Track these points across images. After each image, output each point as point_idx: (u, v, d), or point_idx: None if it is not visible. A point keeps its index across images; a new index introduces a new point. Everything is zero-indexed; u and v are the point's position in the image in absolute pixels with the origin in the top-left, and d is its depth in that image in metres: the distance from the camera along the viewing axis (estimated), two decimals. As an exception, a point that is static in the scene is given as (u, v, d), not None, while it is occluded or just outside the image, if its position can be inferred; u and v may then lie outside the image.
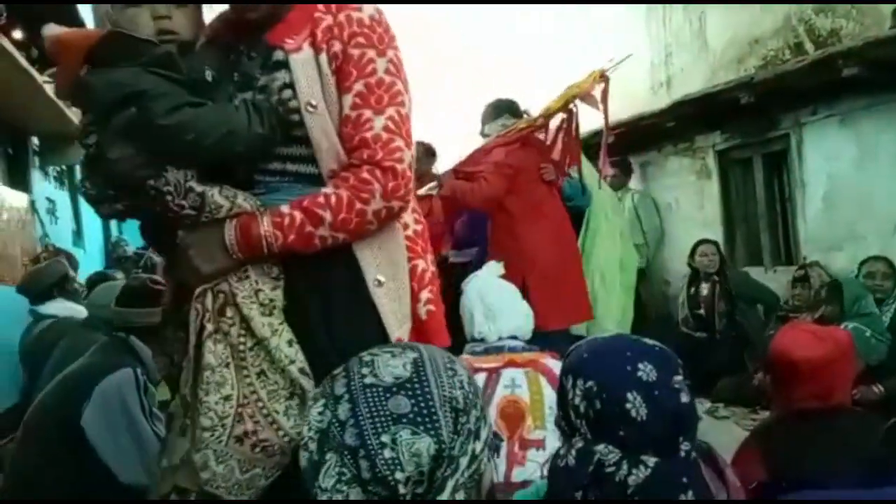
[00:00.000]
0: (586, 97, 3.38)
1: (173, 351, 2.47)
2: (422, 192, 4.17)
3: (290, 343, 1.37)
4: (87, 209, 6.69)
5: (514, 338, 2.21)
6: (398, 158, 1.38)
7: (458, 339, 2.28)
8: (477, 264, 2.90)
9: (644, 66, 6.64)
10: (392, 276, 1.45)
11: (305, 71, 1.37)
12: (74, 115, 4.13)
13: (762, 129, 5.18)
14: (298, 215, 1.34)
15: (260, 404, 1.35)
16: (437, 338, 1.48)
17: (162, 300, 2.42)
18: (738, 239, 5.70)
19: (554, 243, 3.66)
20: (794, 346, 1.74)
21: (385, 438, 0.87)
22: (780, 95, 4.68)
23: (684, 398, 1.17)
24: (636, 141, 6.12)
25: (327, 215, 1.34)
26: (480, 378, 2.09)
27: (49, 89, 3.52)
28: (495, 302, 2.20)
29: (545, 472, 1.29)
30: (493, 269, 2.38)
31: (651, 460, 1.10)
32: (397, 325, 1.45)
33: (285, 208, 1.35)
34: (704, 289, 4.99)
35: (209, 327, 1.37)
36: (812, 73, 4.26)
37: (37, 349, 3.22)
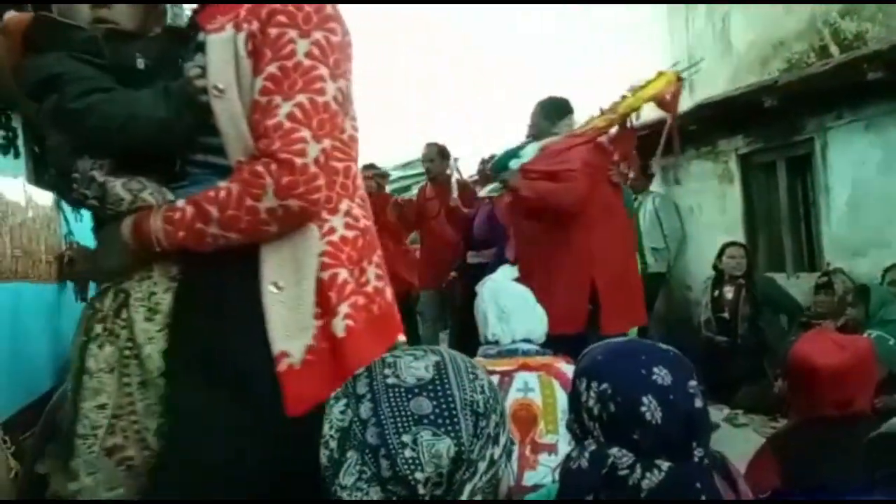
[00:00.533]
0: (661, 99, 3.37)
1: None
2: (484, 193, 4.12)
3: (164, 353, 1.26)
4: (111, 207, 6.79)
5: (528, 341, 2.21)
6: (298, 151, 1.20)
7: (475, 341, 2.30)
8: (494, 266, 2.89)
9: (666, 68, 6.60)
10: (295, 282, 1.26)
11: (221, 52, 1.25)
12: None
13: (786, 133, 5.11)
14: (190, 210, 1.23)
15: (133, 418, 1.27)
16: (354, 358, 1.22)
17: None
18: (761, 244, 5.62)
19: (622, 245, 3.64)
20: (815, 353, 1.72)
21: (406, 438, 0.88)
22: (805, 99, 4.62)
23: (698, 403, 1.17)
24: (658, 144, 6.06)
25: (214, 211, 1.21)
26: (493, 381, 2.09)
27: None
28: (509, 304, 2.20)
29: (556, 477, 1.28)
30: (507, 271, 2.37)
31: (665, 464, 1.10)
32: (286, 337, 1.24)
33: (181, 203, 1.25)
34: (729, 292, 4.93)
35: (97, 328, 1.30)
36: (837, 76, 4.20)
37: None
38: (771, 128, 5.19)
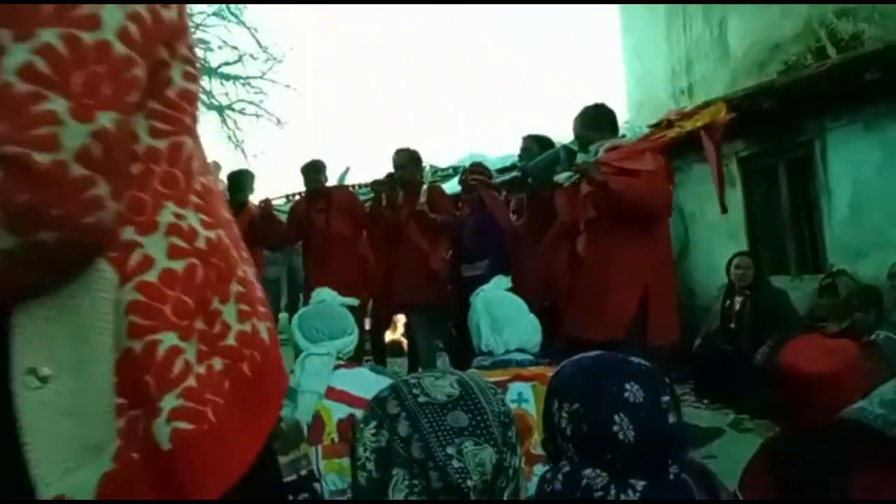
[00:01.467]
0: (712, 126, 3.44)
1: None
2: (561, 179, 3.96)
3: None
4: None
5: (522, 350, 2.20)
6: (40, 140, 0.65)
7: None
8: (487, 277, 2.88)
9: (665, 74, 6.61)
10: (73, 368, 0.73)
11: None
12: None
13: (785, 136, 5.10)
14: None
15: None
16: (197, 485, 0.77)
17: None
18: (764, 247, 5.60)
19: (669, 258, 3.66)
20: (801, 359, 1.70)
21: (451, 450, 0.91)
22: (803, 101, 4.61)
23: (672, 419, 1.15)
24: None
25: None
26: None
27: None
28: (502, 314, 2.19)
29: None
30: (500, 282, 2.37)
31: (639, 484, 1.09)
32: (60, 471, 0.72)
33: None
34: (738, 302, 4.91)
35: None
36: (834, 77, 4.20)
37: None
38: (770, 131, 5.18)
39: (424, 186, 5.18)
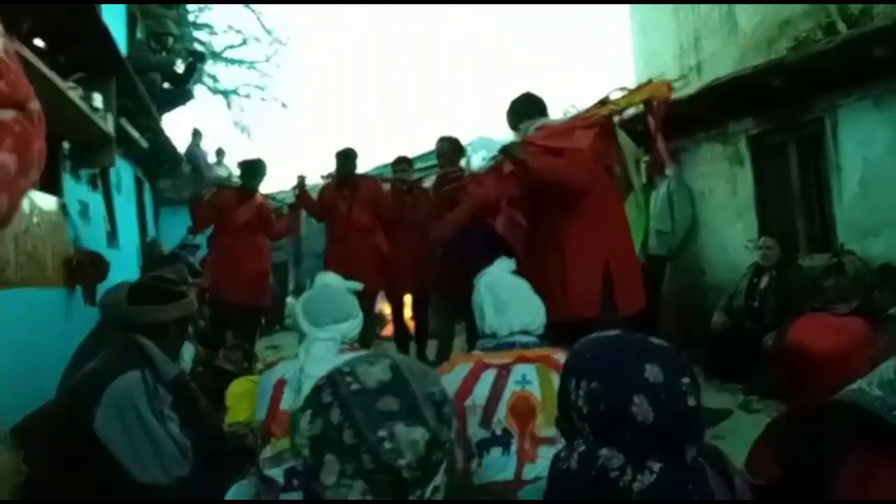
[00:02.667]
0: (650, 104, 3.46)
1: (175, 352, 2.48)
2: (476, 165, 4.08)
3: None
4: (122, 211, 6.84)
5: (526, 332, 2.19)
6: None
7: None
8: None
9: (673, 52, 6.53)
10: None
11: None
12: (100, 119, 4.21)
13: (795, 114, 5.03)
14: None
15: None
16: None
17: (167, 298, 2.45)
18: (773, 226, 5.54)
19: (625, 228, 3.68)
20: (808, 338, 1.68)
21: (382, 433, 0.97)
22: (813, 78, 4.54)
23: (692, 401, 1.13)
24: (667, 127, 5.99)
25: None
26: (491, 374, 2.07)
27: (74, 95, 3.59)
28: (506, 296, 2.18)
29: (553, 471, 1.26)
30: (504, 264, 2.35)
31: (656, 466, 1.08)
32: None
33: None
34: (764, 281, 4.91)
35: None
36: (843, 54, 4.13)
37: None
38: (780, 108, 5.11)
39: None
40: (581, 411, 1.15)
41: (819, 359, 1.67)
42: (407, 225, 5.63)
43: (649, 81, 3.51)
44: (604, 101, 3.52)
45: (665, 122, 3.54)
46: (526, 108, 3.69)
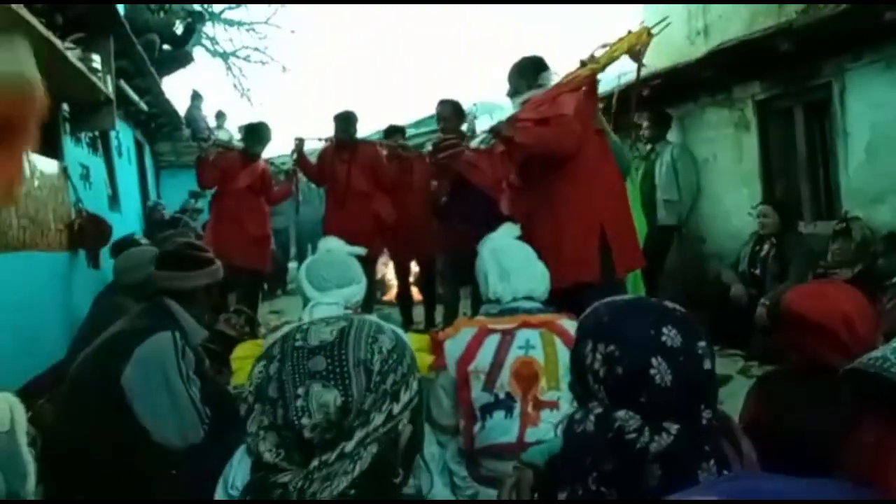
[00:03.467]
0: (633, 52, 3.40)
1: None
2: (474, 144, 4.04)
3: None
4: (122, 174, 6.80)
5: (530, 298, 2.19)
6: None
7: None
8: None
9: (681, 14, 6.41)
10: None
11: None
12: (99, 80, 4.16)
13: (803, 78, 4.96)
14: None
15: None
16: None
17: (197, 265, 2.47)
18: (778, 193, 5.51)
19: (620, 189, 3.67)
20: (805, 303, 1.69)
21: (300, 391, 0.99)
22: (822, 42, 4.46)
23: (707, 365, 1.13)
24: (672, 92, 5.92)
25: None
26: (495, 339, 2.08)
27: (72, 56, 3.54)
28: (509, 262, 2.18)
29: (559, 433, 1.27)
30: (508, 230, 2.35)
31: (673, 427, 1.08)
32: None
33: None
34: (765, 249, 4.91)
35: None
36: (853, 17, 4.05)
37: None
38: (788, 73, 5.03)
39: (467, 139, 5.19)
40: (597, 374, 1.15)
41: (809, 324, 1.67)
42: (408, 190, 5.61)
43: (628, 33, 3.42)
44: (584, 63, 3.48)
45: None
46: (518, 76, 3.65)
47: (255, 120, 5.97)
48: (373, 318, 1.14)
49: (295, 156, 5.74)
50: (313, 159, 5.92)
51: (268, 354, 1.06)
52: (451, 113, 5.13)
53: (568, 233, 3.36)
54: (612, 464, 1.11)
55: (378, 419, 0.99)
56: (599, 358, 1.15)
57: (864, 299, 1.70)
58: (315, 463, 0.96)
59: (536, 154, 3.36)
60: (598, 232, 3.37)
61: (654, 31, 3.40)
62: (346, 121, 5.62)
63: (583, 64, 3.48)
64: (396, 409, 1.02)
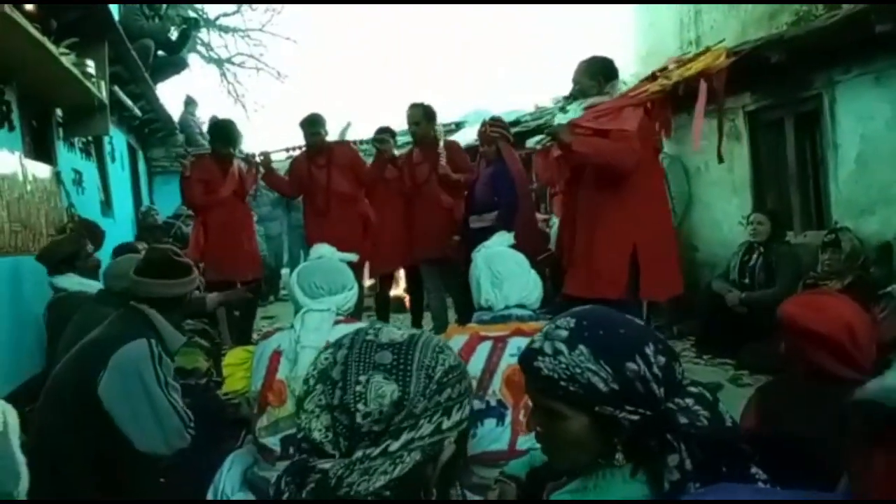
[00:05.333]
0: (708, 75, 3.32)
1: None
2: (531, 144, 4.04)
3: None
4: (115, 179, 6.79)
5: (522, 306, 2.19)
6: None
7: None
8: (494, 229, 2.84)
9: (673, 25, 6.46)
10: None
11: None
12: (93, 86, 4.16)
13: (794, 89, 5.00)
14: None
15: None
16: None
17: (178, 273, 2.47)
18: (769, 203, 5.55)
19: (663, 210, 3.63)
20: (799, 315, 1.70)
21: (361, 378, 1.01)
22: (812, 53, 4.51)
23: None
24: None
25: None
26: (486, 346, 2.08)
27: (66, 61, 3.54)
28: (502, 270, 2.18)
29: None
30: (502, 238, 2.35)
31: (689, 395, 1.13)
32: None
33: None
34: (753, 258, 4.94)
35: None
36: (844, 29, 4.09)
37: (50, 320, 3.25)
38: (778, 84, 5.08)
39: (441, 142, 5.18)
40: (658, 377, 1.12)
41: (805, 336, 1.68)
42: (392, 194, 5.47)
43: (706, 49, 3.37)
44: (655, 76, 3.42)
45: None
46: (587, 76, 3.57)
47: (222, 117, 5.69)
48: (440, 337, 1.16)
49: (261, 173, 5.44)
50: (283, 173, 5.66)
51: (337, 342, 1.09)
52: (421, 116, 5.14)
53: (600, 247, 3.33)
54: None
55: (426, 428, 1.00)
56: (653, 363, 1.12)
57: (860, 308, 1.71)
58: (359, 454, 0.97)
59: (592, 165, 3.33)
60: (630, 251, 3.33)
61: (713, 49, 3.31)
62: (313, 123, 5.29)
63: (653, 76, 3.43)
64: (446, 424, 1.02)
